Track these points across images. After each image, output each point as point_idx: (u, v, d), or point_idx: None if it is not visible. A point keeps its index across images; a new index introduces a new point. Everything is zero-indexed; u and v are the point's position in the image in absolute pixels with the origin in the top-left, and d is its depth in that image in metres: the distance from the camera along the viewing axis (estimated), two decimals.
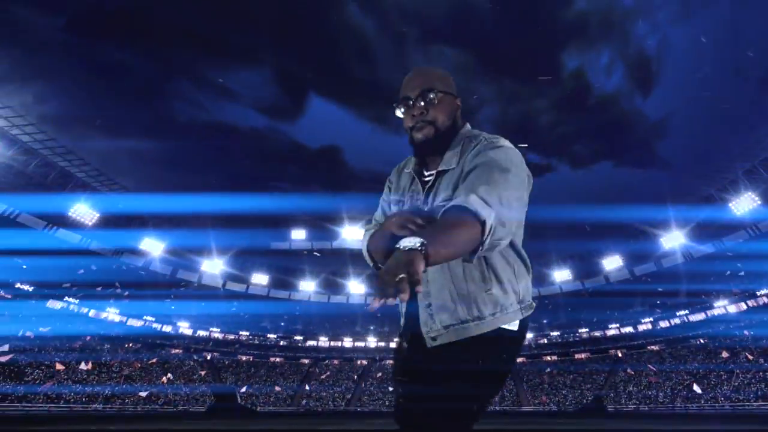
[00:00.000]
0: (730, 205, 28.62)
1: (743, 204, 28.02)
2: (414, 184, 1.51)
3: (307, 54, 52.58)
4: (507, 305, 1.33)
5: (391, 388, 40.08)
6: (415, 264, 0.94)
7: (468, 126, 1.53)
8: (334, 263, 38.35)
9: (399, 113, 1.48)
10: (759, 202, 27.63)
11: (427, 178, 1.49)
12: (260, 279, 37.96)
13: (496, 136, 1.41)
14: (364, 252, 1.44)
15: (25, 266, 30.46)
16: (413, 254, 0.97)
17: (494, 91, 56.05)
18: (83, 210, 28.74)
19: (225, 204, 32.26)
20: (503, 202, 1.17)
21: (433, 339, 1.33)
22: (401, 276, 0.90)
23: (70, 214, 28.53)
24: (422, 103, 1.42)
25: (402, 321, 1.46)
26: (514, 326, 1.34)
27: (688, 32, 50.40)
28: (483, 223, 1.11)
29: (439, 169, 1.43)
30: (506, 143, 1.36)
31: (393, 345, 44.02)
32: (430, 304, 1.34)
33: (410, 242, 1.00)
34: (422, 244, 0.99)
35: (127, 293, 33.44)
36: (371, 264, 1.44)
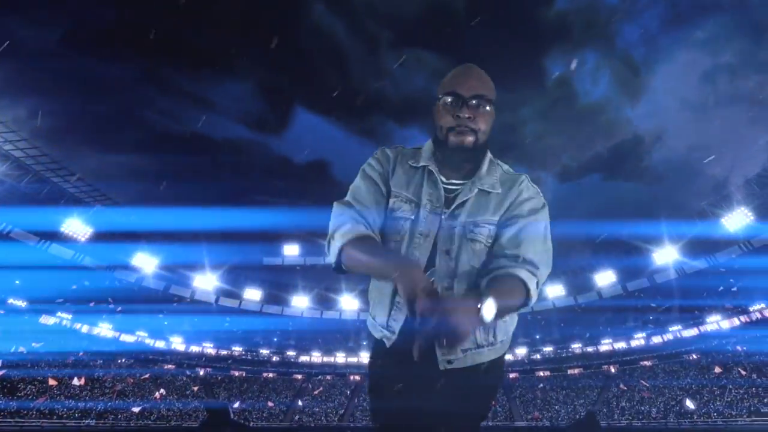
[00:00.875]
0: (722, 220, 28.51)
1: (736, 220, 27.91)
2: (433, 187, 1.44)
3: (289, 68, 52.72)
4: (510, 331, 1.49)
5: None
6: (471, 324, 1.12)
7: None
8: (326, 279, 38.38)
9: (441, 106, 1.37)
10: (752, 218, 27.54)
11: (449, 186, 1.44)
12: (253, 294, 37.67)
13: (534, 187, 1.52)
14: (339, 253, 1.35)
15: (17, 282, 30.44)
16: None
17: None
18: (76, 225, 28.65)
19: (218, 219, 32.29)
20: (545, 269, 1.38)
21: (449, 362, 1.35)
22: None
23: (62, 229, 28.44)
24: (473, 109, 1.34)
25: (393, 338, 1.41)
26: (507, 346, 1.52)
27: (677, 41, 50.33)
28: (528, 291, 1.31)
29: (481, 188, 1.43)
30: (543, 199, 1.50)
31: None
32: None
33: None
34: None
35: (120, 308, 33.35)
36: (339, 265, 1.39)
